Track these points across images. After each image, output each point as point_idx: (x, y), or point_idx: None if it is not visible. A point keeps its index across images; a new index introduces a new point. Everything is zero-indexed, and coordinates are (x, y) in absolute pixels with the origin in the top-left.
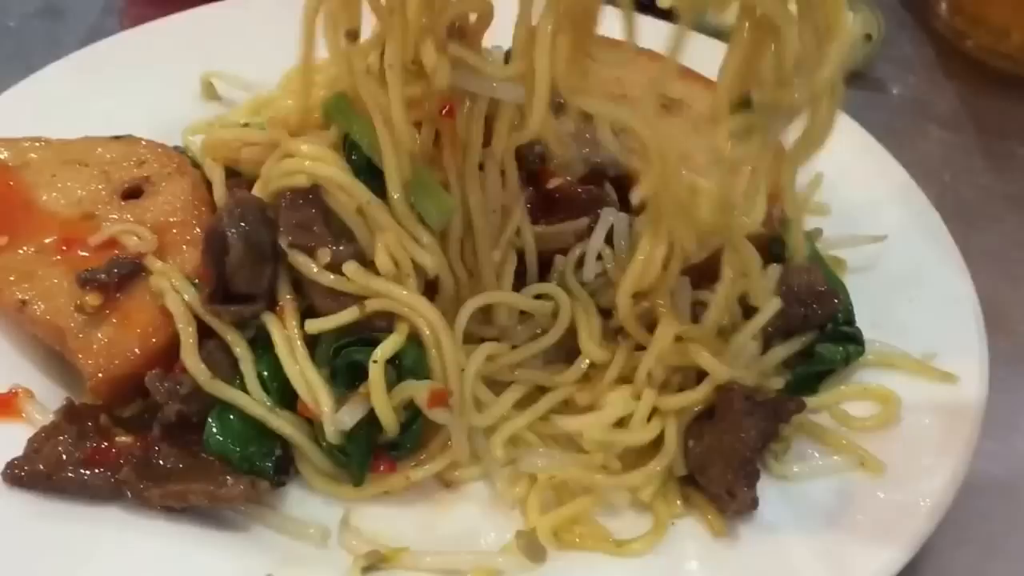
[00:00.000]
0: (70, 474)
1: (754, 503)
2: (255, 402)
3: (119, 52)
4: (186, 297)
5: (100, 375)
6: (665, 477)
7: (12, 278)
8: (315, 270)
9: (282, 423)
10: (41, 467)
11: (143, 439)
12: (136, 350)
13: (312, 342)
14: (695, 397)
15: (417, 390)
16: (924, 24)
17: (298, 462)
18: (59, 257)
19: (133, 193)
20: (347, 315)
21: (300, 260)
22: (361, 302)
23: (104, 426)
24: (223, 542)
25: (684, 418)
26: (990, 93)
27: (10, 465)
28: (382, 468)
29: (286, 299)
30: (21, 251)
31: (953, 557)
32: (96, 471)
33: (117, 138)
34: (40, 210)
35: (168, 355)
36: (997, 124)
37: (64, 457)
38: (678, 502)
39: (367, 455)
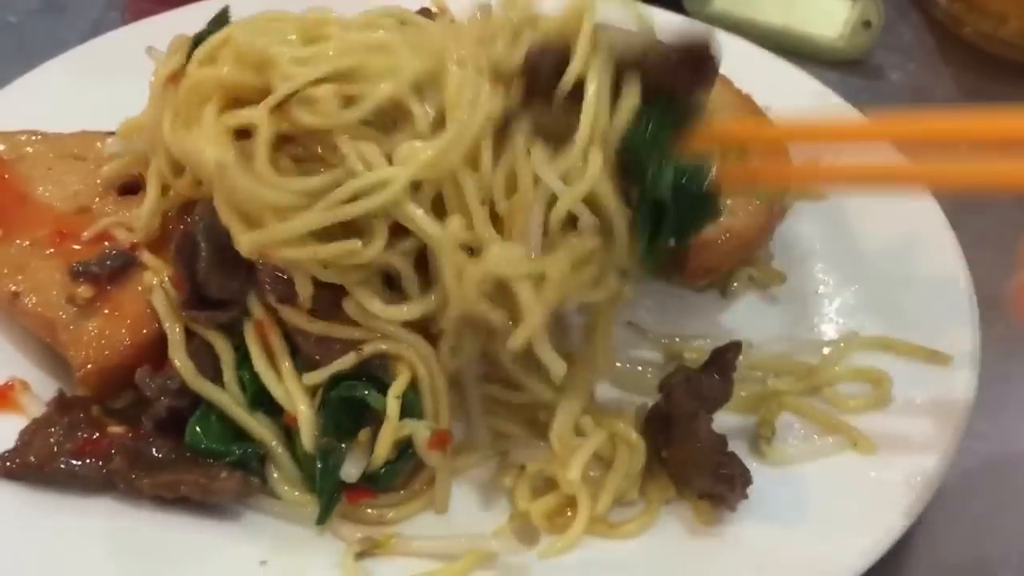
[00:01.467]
0: (62, 465)
1: (747, 481)
2: (235, 404)
3: (120, 47)
4: (172, 295)
5: (89, 366)
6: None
7: (5, 271)
8: (307, 321)
9: (258, 426)
10: (32, 459)
11: (135, 429)
12: (126, 342)
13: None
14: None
15: (418, 429)
16: (923, 11)
17: (267, 469)
18: (52, 250)
19: (129, 188)
20: (346, 362)
21: (290, 314)
22: (358, 347)
23: (96, 417)
24: (217, 530)
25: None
26: (988, 79)
27: (1, 458)
28: (350, 494)
29: (264, 317)
30: (15, 244)
31: (947, 535)
32: (87, 461)
33: (113, 133)
34: (35, 203)
35: (159, 348)
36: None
37: (55, 448)
38: (670, 483)
39: (338, 480)
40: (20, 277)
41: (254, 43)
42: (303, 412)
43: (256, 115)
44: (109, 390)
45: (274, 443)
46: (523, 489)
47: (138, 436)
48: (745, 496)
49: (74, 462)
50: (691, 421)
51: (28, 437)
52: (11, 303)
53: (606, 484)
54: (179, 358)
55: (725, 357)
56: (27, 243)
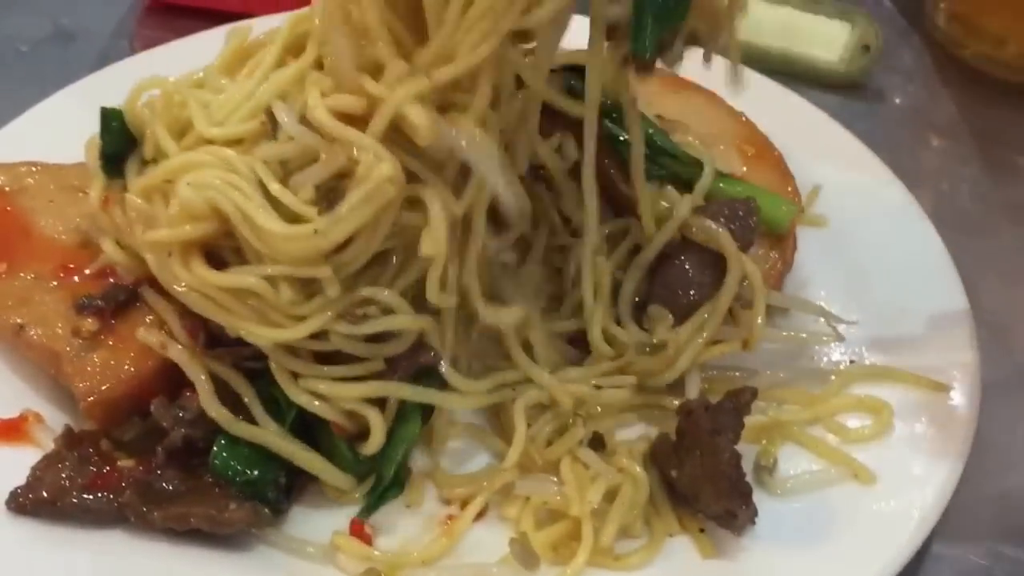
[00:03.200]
0: (73, 499)
1: (754, 513)
2: (278, 437)
3: (129, 77)
4: (187, 342)
5: (92, 398)
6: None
7: (10, 303)
8: None
9: (302, 450)
10: (44, 494)
11: (145, 462)
12: (130, 373)
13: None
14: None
15: None
16: (922, 34)
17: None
18: (56, 283)
19: None
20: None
21: None
22: None
23: (105, 450)
24: (227, 562)
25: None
26: (988, 102)
27: (13, 494)
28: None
29: None
30: (19, 277)
31: (948, 566)
32: (99, 495)
33: None
34: (39, 236)
35: (161, 379)
36: (995, 132)
37: (67, 483)
38: (674, 518)
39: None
40: (25, 310)
41: (206, 195)
42: (375, 418)
43: (259, 287)
44: (114, 421)
45: (323, 464)
46: (528, 520)
47: (148, 469)
48: (752, 522)
49: (86, 496)
50: (714, 435)
51: (40, 473)
52: (16, 336)
53: (610, 515)
54: (212, 408)
55: (741, 399)
56: (31, 276)
